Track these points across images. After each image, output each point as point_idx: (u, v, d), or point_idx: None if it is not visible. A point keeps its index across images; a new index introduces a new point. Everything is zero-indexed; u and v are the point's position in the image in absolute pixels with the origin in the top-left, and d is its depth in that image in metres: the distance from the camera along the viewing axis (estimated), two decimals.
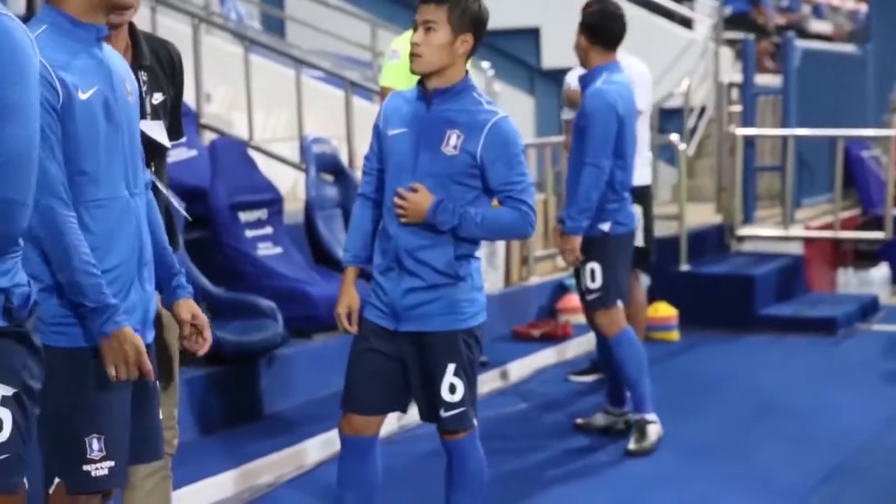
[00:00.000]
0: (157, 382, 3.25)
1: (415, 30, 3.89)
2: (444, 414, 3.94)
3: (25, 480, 2.65)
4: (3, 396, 2.50)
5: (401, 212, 3.85)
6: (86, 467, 3.00)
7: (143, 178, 3.14)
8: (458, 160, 3.87)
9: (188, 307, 3.29)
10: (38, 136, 2.60)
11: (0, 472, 2.54)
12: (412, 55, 3.88)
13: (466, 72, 3.92)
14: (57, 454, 3.03)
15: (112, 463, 3.03)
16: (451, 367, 3.91)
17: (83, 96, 2.93)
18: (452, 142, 3.87)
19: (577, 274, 5.71)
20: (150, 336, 3.17)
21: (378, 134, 4.01)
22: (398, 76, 5.26)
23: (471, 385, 3.97)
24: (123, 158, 3.04)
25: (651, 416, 5.66)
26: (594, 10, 5.57)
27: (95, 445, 3.00)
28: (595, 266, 5.59)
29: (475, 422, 4.02)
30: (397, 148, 3.94)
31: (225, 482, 5.07)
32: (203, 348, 3.31)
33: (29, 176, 2.58)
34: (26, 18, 7.89)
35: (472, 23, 3.86)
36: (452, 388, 3.92)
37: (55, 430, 3.01)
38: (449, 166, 3.87)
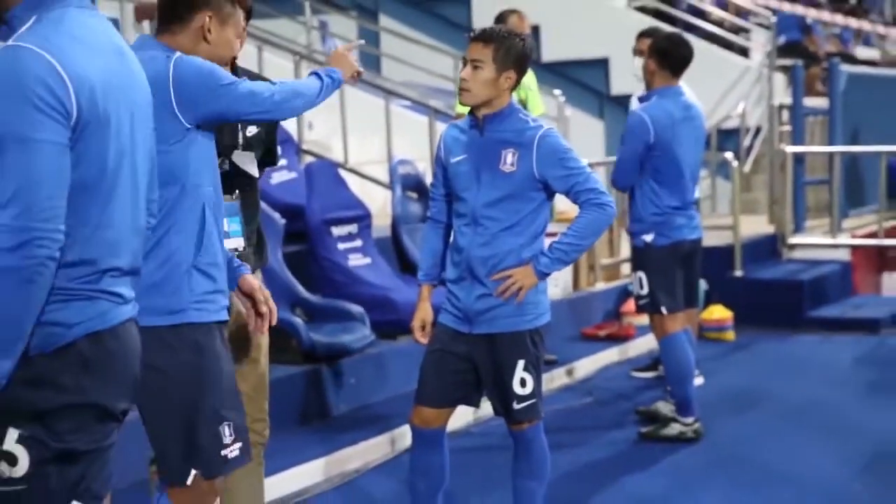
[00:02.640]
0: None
1: (464, 65, 3.86)
2: (516, 406, 3.91)
3: None
4: (20, 434, 2.29)
5: (515, 287, 3.83)
6: (223, 452, 2.95)
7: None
8: (517, 176, 3.83)
9: (248, 282, 3.20)
10: (54, 166, 2.25)
11: (22, 501, 2.30)
12: (461, 89, 3.86)
13: (511, 97, 3.90)
14: (194, 448, 2.92)
15: (241, 443, 3.00)
16: (520, 363, 3.88)
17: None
18: (509, 160, 3.84)
19: None
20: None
21: (440, 163, 4.00)
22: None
23: (537, 379, 3.93)
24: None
25: (683, 419, 5.53)
26: (665, 35, 5.60)
27: (227, 431, 2.95)
28: (641, 275, 5.51)
29: (542, 413, 3.97)
30: (461, 173, 3.92)
31: (316, 468, 5.05)
32: (265, 325, 3.19)
33: (44, 202, 2.23)
34: None
35: (515, 61, 3.83)
36: (523, 382, 3.89)
37: (188, 429, 2.91)
38: (509, 183, 3.84)
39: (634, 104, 6.71)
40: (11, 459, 2.30)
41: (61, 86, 2.24)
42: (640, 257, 5.52)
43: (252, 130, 3.54)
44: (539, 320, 3.91)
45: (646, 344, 7.43)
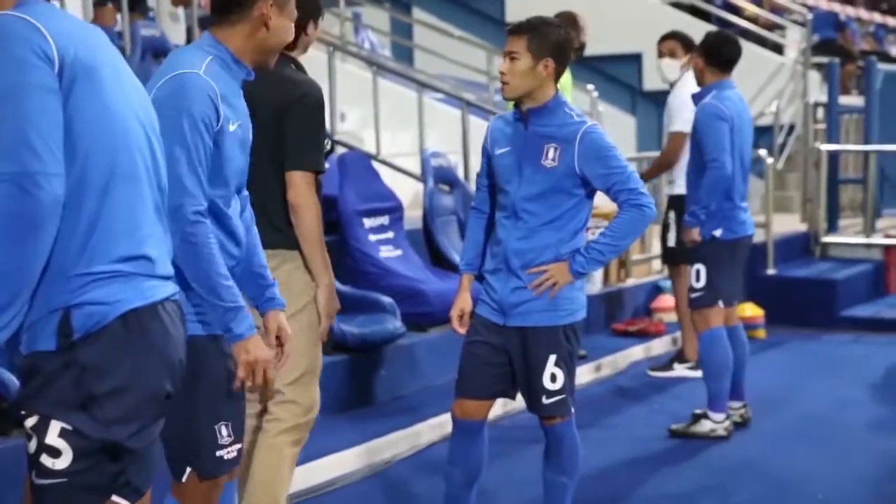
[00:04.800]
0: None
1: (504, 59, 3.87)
2: (545, 401, 3.90)
3: (123, 501, 2.38)
4: (63, 428, 2.29)
5: (549, 283, 3.83)
6: (219, 453, 2.93)
7: (241, 202, 3.04)
8: (558, 171, 3.82)
9: (276, 319, 3.12)
10: (43, 108, 2.24)
11: (62, 494, 2.31)
12: (502, 83, 3.87)
13: (557, 90, 3.87)
14: (189, 445, 2.92)
15: (239, 445, 2.97)
16: (552, 358, 3.87)
17: (232, 128, 2.89)
18: (550, 155, 3.83)
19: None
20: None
21: (486, 154, 4.01)
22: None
23: (569, 375, 3.92)
24: (237, 185, 2.99)
25: (714, 415, 5.51)
26: (714, 33, 5.66)
27: (224, 431, 2.93)
28: (701, 267, 5.49)
29: (572, 409, 3.97)
30: (504, 165, 3.92)
31: (346, 459, 5.06)
32: (281, 363, 3.08)
33: (38, 146, 2.22)
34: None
35: (552, 48, 3.80)
36: (553, 378, 3.88)
37: (186, 423, 2.88)
38: (550, 178, 3.83)
39: (675, 102, 6.69)
40: (54, 452, 2.30)
41: (43, 40, 2.26)
42: (703, 250, 5.50)
43: None
44: (573, 316, 3.90)
45: (673, 340, 7.40)
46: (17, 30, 2.26)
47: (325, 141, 3.71)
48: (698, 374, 6.04)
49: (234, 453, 2.96)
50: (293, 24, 3.05)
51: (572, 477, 4.00)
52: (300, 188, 3.56)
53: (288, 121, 3.56)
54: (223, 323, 2.84)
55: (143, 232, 2.38)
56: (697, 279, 5.52)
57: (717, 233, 5.47)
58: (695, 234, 5.47)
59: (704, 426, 5.53)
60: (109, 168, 2.34)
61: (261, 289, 3.10)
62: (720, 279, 5.50)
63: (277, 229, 3.58)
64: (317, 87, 3.66)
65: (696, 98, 5.57)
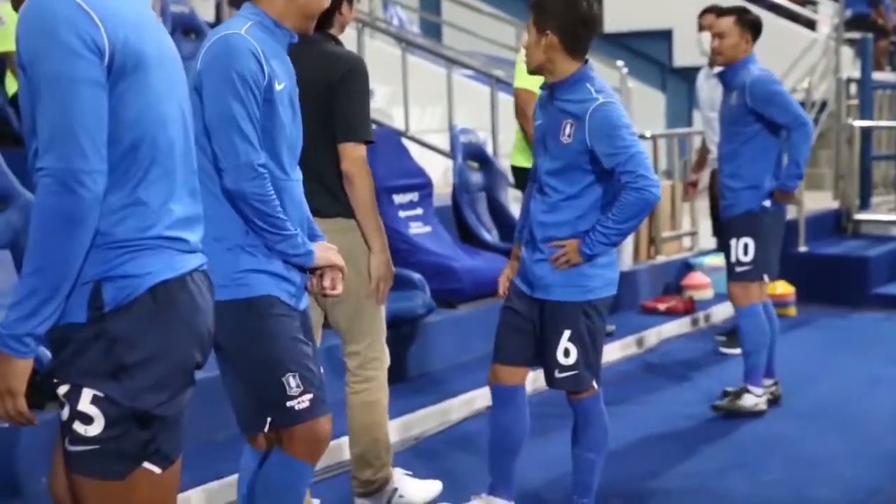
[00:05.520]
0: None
1: None
2: (557, 375, 3.94)
3: (154, 467, 2.39)
4: (95, 395, 2.32)
5: (563, 259, 3.86)
6: (289, 403, 3.04)
7: (297, 169, 3.14)
8: (572, 148, 3.81)
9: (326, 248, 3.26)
10: (90, 104, 2.24)
11: (94, 460, 2.34)
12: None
13: (585, 63, 3.84)
14: (263, 398, 3.06)
15: (311, 395, 3.07)
16: (566, 333, 3.90)
17: (279, 87, 2.99)
18: (567, 131, 3.83)
19: (727, 247, 5.57)
20: (305, 302, 3.18)
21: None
22: (528, 80, 5.36)
23: (588, 352, 3.92)
24: (291, 149, 3.07)
25: (755, 389, 5.50)
26: (745, 8, 5.58)
27: (293, 382, 3.04)
28: (749, 241, 5.46)
29: (595, 385, 3.97)
30: (536, 138, 3.98)
31: None
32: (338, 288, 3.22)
33: (84, 143, 2.23)
34: (215, 25, 8.04)
35: (552, 19, 3.76)
36: (567, 353, 3.91)
37: (255, 377, 3.06)
38: (566, 153, 3.83)
39: (701, 79, 6.65)
40: (86, 419, 2.33)
41: (91, 25, 2.24)
42: (752, 223, 5.46)
43: None
44: (594, 293, 3.89)
45: (703, 318, 7.38)
46: (64, 12, 2.24)
47: None
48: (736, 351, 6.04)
49: (307, 403, 3.07)
50: None
51: (599, 453, 4.01)
52: (352, 158, 3.77)
53: (337, 95, 3.75)
54: (289, 249, 3.03)
55: (175, 211, 2.40)
56: (745, 252, 5.47)
57: (767, 204, 5.45)
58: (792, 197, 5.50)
59: (748, 401, 5.51)
60: (150, 155, 2.36)
61: (311, 238, 3.21)
62: (767, 253, 5.49)
63: (336, 198, 3.82)
64: (361, 61, 3.85)
65: (732, 73, 5.45)
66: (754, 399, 5.52)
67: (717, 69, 5.75)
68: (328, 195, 3.79)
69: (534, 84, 5.17)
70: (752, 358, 5.51)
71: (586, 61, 3.85)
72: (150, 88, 2.35)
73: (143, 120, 2.34)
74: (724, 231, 5.68)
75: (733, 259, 5.53)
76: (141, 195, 2.34)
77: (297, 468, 3.14)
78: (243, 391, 3.14)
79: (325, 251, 3.16)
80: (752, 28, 5.45)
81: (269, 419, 3.10)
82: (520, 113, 5.67)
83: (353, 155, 3.77)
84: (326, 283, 3.18)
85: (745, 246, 5.47)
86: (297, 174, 3.13)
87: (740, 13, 5.49)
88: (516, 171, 5.93)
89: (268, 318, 3.05)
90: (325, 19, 3.80)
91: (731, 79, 5.48)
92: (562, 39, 3.77)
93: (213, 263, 2.82)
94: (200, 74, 3.00)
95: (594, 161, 3.81)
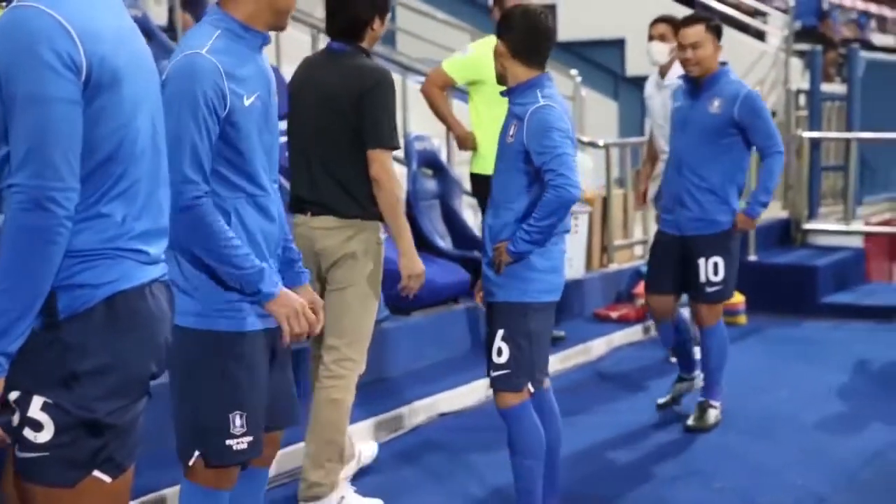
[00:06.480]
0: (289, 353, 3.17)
1: None
2: (491, 373, 4.02)
3: (104, 476, 2.37)
4: (45, 402, 2.29)
5: (497, 260, 3.95)
6: (228, 442, 2.94)
7: (276, 175, 3.06)
8: (513, 147, 3.94)
9: (307, 292, 3.16)
10: (65, 122, 2.22)
11: (43, 467, 2.32)
12: None
13: (537, 74, 3.94)
14: (199, 429, 2.95)
15: (251, 437, 2.97)
16: (500, 333, 3.98)
17: (247, 103, 2.88)
18: (511, 131, 3.97)
19: (693, 266, 5.36)
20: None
21: None
22: (452, 65, 6.01)
23: (522, 353, 3.95)
24: (268, 157, 2.98)
25: (716, 403, 5.53)
26: (711, 17, 5.53)
27: (238, 422, 2.94)
28: (719, 260, 5.34)
29: (525, 388, 3.99)
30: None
31: None
32: (315, 330, 3.08)
33: (58, 161, 2.22)
34: (168, 29, 7.97)
35: (507, 30, 3.97)
36: (500, 352, 3.98)
37: (199, 407, 2.94)
38: (507, 153, 3.98)
39: (651, 88, 6.69)
40: (36, 426, 2.31)
41: (69, 42, 2.23)
42: (723, 241, 5.34)
43: None
44: (530, 296, 3.94)
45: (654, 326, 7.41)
46: (42, 28, 2.22)
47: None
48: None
49: (245, 445, 2.96)
50: None
51: (526, 457, 4.00)
52: (380, 163, 4.03)
53: (365, 104, 4.00)
54: (251, 288, 2.89)
55: (137, 224, 2.39)
56: (716, 272, 5.34)
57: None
58: (755, 223, 5.41)
59: (712, 416, 5.51)
60: (119, 169, 2.35)
61: (289, 263, 3.14)
62: (734, 270, 5.42)
63: (356, 201, 4.07)
64: (388, 74, 4.09)
65: (712, 81, 5.32)
66: (716, 413, 5.55)
67: (673, 78, 5.76)
68: (348, 198, 4.06)
69: (455, 71, 6.01)
70: (717, 374, 5.51)
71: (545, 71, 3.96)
72: (123, 104, 2.34)
73: (115, 135, 2.33)
74: (689, 247, 5.39)
75: (702, 279, 5.36)
76: (104, 208, 2.34)
77: (213, 496, 3.01)
78: (184, 416, 3.00)
79: (283, 306, 2.93)
80: (719, 34, 5.36)
81: (197, 453, 2.97)
82: (426, 83, 6.14)
83: (380, 160, 4.02)
84: (285, 328, 2.96)
85: (716, 265, 5.34)
86: (275, 184, 3.03)
87: (707, 21, 5.40)
88: (476, 178, 5.97)
89: (241, 357, 2.94)
90: (357, 32, 4.07)
91: (711, 87, 5.33)
92: (513, 48, 3.93)
93: (194, 290, 2.86)
94: (163, 90, 2.84)
95: (529, 161, 3.89)
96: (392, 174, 4.07)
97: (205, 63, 2.85)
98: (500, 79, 4.00)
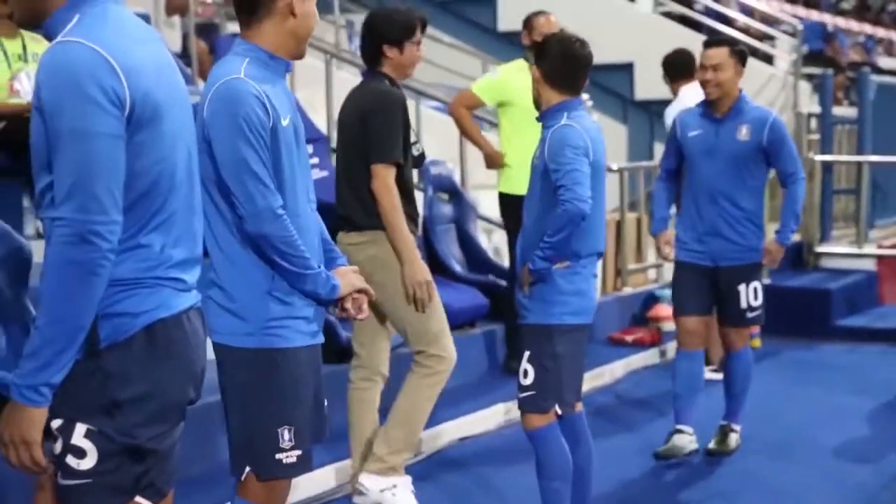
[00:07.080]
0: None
1: None
2: (519, 395, 4.04)
3: (146, 501, 2.40)
4: (88, 429, 2.33)
5: (521, 281, 4.04)
6: (278, 456, 3.00)
7: (313, 196, 3.14)
8: (538, 169, 4.02)
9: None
10: (109, 157, 2.27)
11: (86, 494, 2.34)
12: None
13: (573, 98, 4.01)
14: (250, 445, 3.01)
15: (300, 451, 3.02)
16: (526, 354, 4.01)
17: (284, 123, 2.97)
18: (537, 153, 4.05)
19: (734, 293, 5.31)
20: (321, 336, 3.14)
21: None
22: (481, 87, 6.43)
23: (548, 375, 3.97)
24: (304, 177, 3.06)
25: (737, 427, 5.52)
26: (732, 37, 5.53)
27: (286, 436, 2.99)
28: (758, 285, 5.34)
29: (553, 411, 4.01)
30: None
31: (322, 476, 5.05)
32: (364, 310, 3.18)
33: (101, 195, 2.26)
34: (182, 55, 8.00)
35: (541, 56, 4.07)
36: (525, 373, 4.01)
37: (249, 423, 3.01)
38: (535, 174, 4.05)
39: (672, 115, 6.68)
40: (79, 453, 2.34)
41: (114, 77, 2.26)
42: (759, 265, 5.36)
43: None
44: (556, 318, 3.97)
45: (673, 350, 7.41)
46: (88, 63, 2.25)
47: (416, 143, 4.48)
48: (719, 376, 6.05)
49: (294, 458, 3.02)
50: (315, 8, 3.12)
51: (553, 479, 4.02)
52: (378, 178, 4.25)
53: (368, 122, 4.26)
54: (315, 287, 3.01)
55: (175, 253, 2.42)
56: (756, 297, 5.32)
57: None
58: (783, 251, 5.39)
59: (733, 440, 5.50)
60: (159, 200, 2.39)
61: (330, 262, 3.18)
62: (764, 294, 5.43)
63: (369, 212, 4.30)
64: (392, 94, 4.33)
65: (739, 106, 5.26)
66: (737, 437, 5.53)
67: (696, 101, 5.62)
68: (363, 209, 4.31)
69: (484, 92, 6.40)
70: (741, 399, 5.50)
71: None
72: (163, 137, 2.38)
73: (155, 168, 2.37)
74: (725, 276, 5.32)
75: (743, 305, 5.31)
76: (144, 239, 2.37)
77: None
78: (236, 433, 3.07)
79: (346, 276, 3.12)
80: (743, 60, 5.30)
81: (248, 468, 3.02)
82: (453, 103, 6.55)
83: (378, 174, 4.24)
84: (349, 305, 3.12)
85: (755, 290, 5.32)
86: (312, 203, 3.11)
87: (732, 44, 5.36)
88: (504, 197, 6.08)
89: (286, 371, 3.00)
90: (374, 59, 4.37)
91: (737, 114, 5.25)
92: (548, 74, 4.00)
93: (242, 310, 2.92)
94: (207, 122, 2.96)
95: (550, 182, 3.94)
96: (389, 188, 4.24)
97: (245, 87, 2.94)
98: (537, 103, 4.07)
